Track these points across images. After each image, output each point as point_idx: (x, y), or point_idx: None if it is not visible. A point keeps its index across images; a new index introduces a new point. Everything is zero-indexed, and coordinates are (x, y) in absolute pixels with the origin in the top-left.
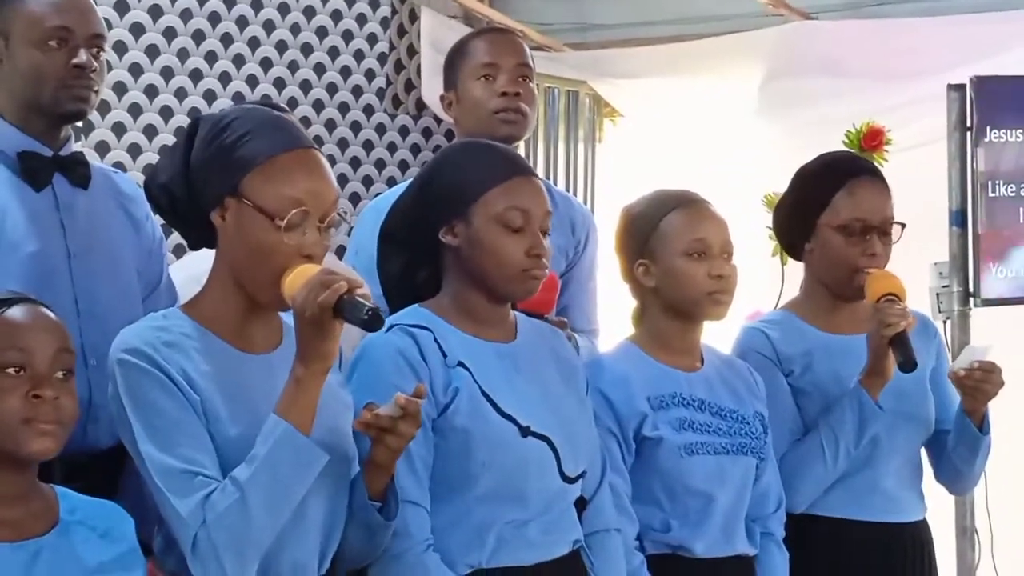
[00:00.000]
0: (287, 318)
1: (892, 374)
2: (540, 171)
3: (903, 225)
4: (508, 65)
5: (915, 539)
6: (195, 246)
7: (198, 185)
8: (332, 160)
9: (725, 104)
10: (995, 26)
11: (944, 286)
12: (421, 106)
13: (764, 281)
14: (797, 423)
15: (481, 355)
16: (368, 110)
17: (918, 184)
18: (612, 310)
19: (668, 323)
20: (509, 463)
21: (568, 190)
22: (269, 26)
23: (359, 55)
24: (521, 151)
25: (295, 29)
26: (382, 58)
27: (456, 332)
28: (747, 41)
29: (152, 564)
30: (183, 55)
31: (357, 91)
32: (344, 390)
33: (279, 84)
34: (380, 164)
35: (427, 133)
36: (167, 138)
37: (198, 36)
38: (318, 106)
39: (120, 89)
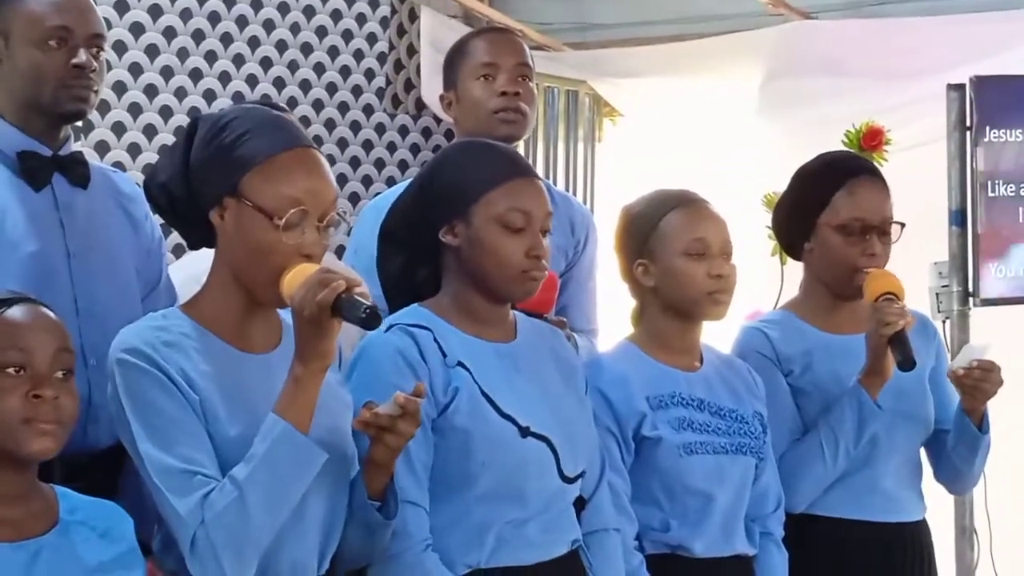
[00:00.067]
0: (287, 318)
1: (891, 373)
2: (539, 171)
3: (902, 225)
4: (508, 65)
5: (915, 539)
6: (194, 246)
7: (197, 184)
8: (332, 160)
9: (725, 104)
10: (995, 25)
11: (943, 286)
12: (421, 106)
13: (763, 281)
14: (796, 423)
15: (481, 355)
16: (368, 110)
17: (918, 184)
18: (611, 310)
19: (667, 323)
20: (508, 463)
21: (568, 190)
22: (269, 25)
23: (359, 55)
24: (521, 151)
25: (295, 29)
26: (382, 58)
27: (456, 332)
28: (747, 41)
29: (151, 564)
30: (183, 55)
31: (357, 91)
32: (343, 389)
33: (279, 84)
34: (379, 164)
35: (427, 133)
36: (167, 138)
37: (198, 36)
38: (318, 106)
39: (120, 89)
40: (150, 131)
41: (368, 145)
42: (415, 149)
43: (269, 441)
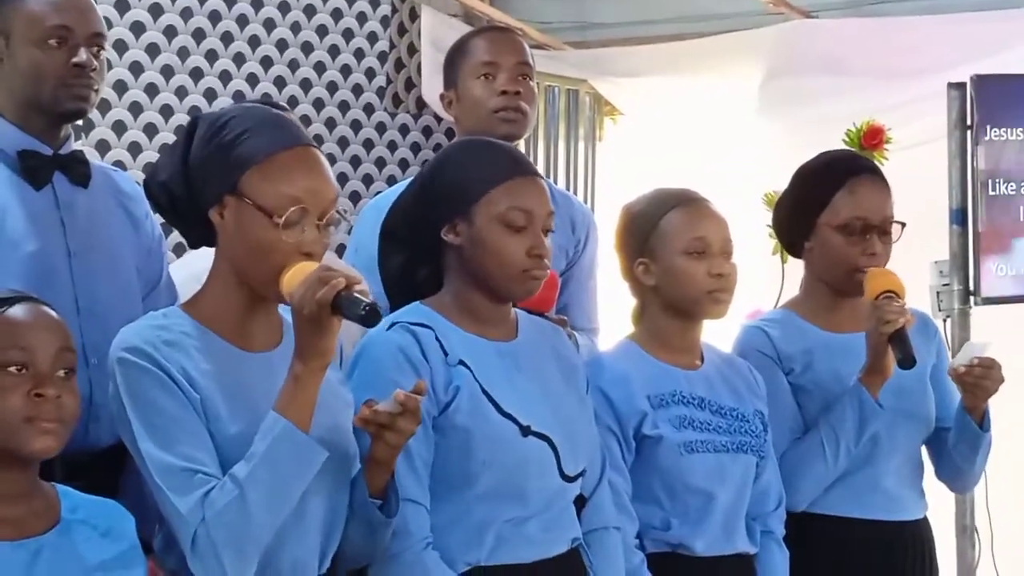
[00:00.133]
0: (287, 316)
1: (892, 372)
2: (540, 170)
3: (903, 224)
4: (508, 64)
5: (916, 537)
6: (195, 245)
7: (197, 183)
8: (332, 159)
9: (725, 103)
10: (995, 24)
11: (944, 284)
12: (421, 105)
13: (764, 280)
14: (797, 421)
15: (482, 354)
16: (368, 109)
17: (918, 182)
18: (612, 309)
19: (668, 321)
20: (509, 462)
21: (568, 189)
22: (269, 24)
23: (359, 54)
24: (521, 150)
25: (295, 28)
26: (382, 57)
27: (457, 330)
28: (747, 40)
29: (153, 562)
30: (183, 54)
31: (357, 90)
32: (344, 388)
33: (279, 83)
34: (380, 163)
35: (427, 132)
36: (167, 137)
37: (198, 35)
38: (318, 105)
39: (120, 88)
40: (151, 130)
41: (369, 144)
42: (416, 148)
43: (269, 439)
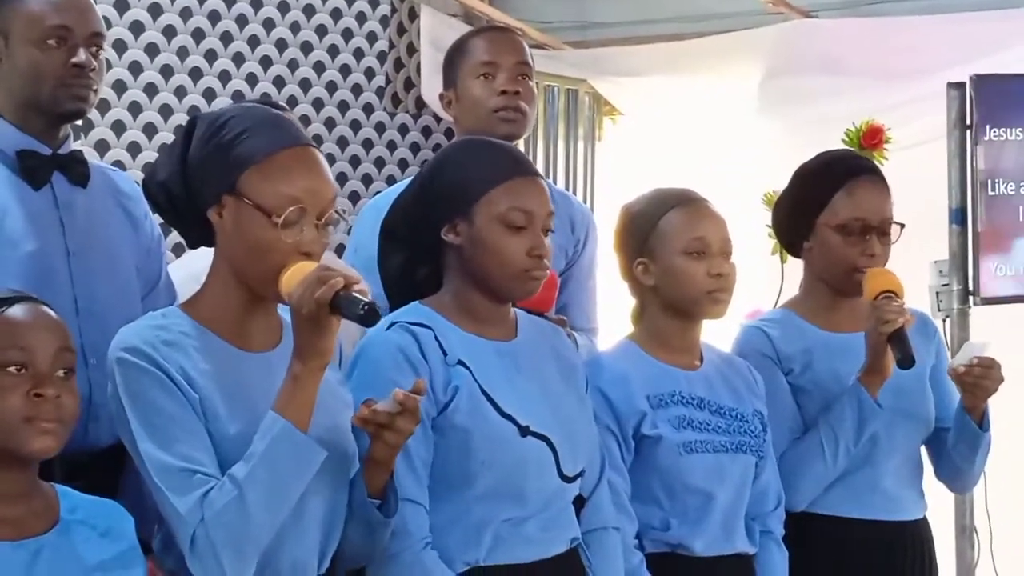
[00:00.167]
0: (287, 316)
1: (891, 371)
2: (539, 169)
3: (902, 225)
4: (507, 63)
5: (915, 538)
6: (193, 245)
7: (196, 183)
8: (331, 159)
9: (725, 102)
10: (995, 24)
11: (944, 284)
12: (421, 104)
13: (764, 279)
14: (797, 421)
15: (481, 354)
16: (368, 108)
17: (918, 182)
18: (611, 308)
19: (667, 321)
20: (508, 462)
21: (567, 188)
22: (269, 24)
23: (359, 53)
24: (520, 149)
25: (295, 27)
26: (382, 56)
27: (457, 330)
28: (747, 39)
29: (152, 563)
30: (183, 53)
31: (357, 89)
32: (343, 388)
33: (278, 83)
34: (379, 163)
35: (427, 132)
36: (166, 136)
37: (198, 35)
38: (318, 104)
39: (120, 88)
40: (150, 130)
41: (368, 144)
42: (415, 148)
43: (268, 439)
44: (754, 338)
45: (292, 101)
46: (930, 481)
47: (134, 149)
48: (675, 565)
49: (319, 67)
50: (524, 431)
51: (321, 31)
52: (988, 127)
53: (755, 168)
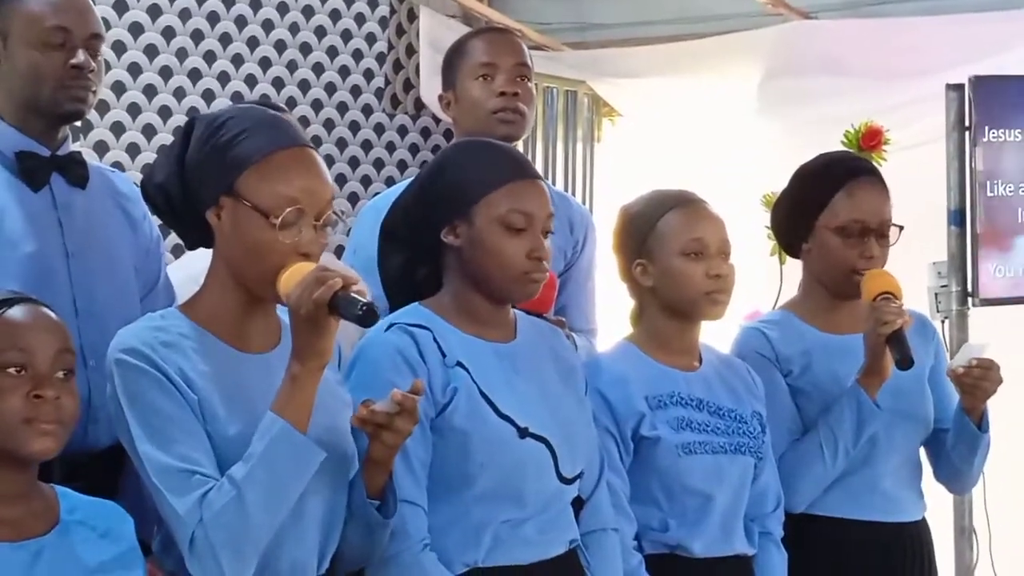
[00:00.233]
0: (285, 318)
1: (890, 372)
2: (538, 171)
3: (901, 227)
4: (506, 65)
5: (914, 539)
6: (192, 246)
7: (194, 184)
8: (330, 160)
9: (724, 103)
10: (995, 25)
11: (943, 286)
12: (420, 106)
13: (763, 281)
14: (796, 423)
15: (480, 355)
16: (367, 110)
17: (917, 184)
18: (610, 310)
19: (666, 323)
20: (507, 464)
21: (566, 190)
22: (268, 26)
23: (358, 55)
24: (520, 151)
25: (294, 29)
26: (381, 58)
27: (455, 332)
28: (746, 40)
29: (151, 564)
30: (182, 55)
31: (356, 91)
32: (342, 388)
33: (278, 84)
34: (378, 164)
35: (425, 133)
36: (166, 138)
37: (197, 36)
38: (316, 106)
39: (119, 89)
40: (149, 131)
41: (367, 145)
42: (414, 149)
43: (267, 440)
44: (753, 339)
45: (291, 102)
46: (929, 482)
47: (133, 150)
48: (674, 566)
49: (318, 68)
50: (523, 432)
51: (320, 32)
52: (987, 128)
53: (754, 169)
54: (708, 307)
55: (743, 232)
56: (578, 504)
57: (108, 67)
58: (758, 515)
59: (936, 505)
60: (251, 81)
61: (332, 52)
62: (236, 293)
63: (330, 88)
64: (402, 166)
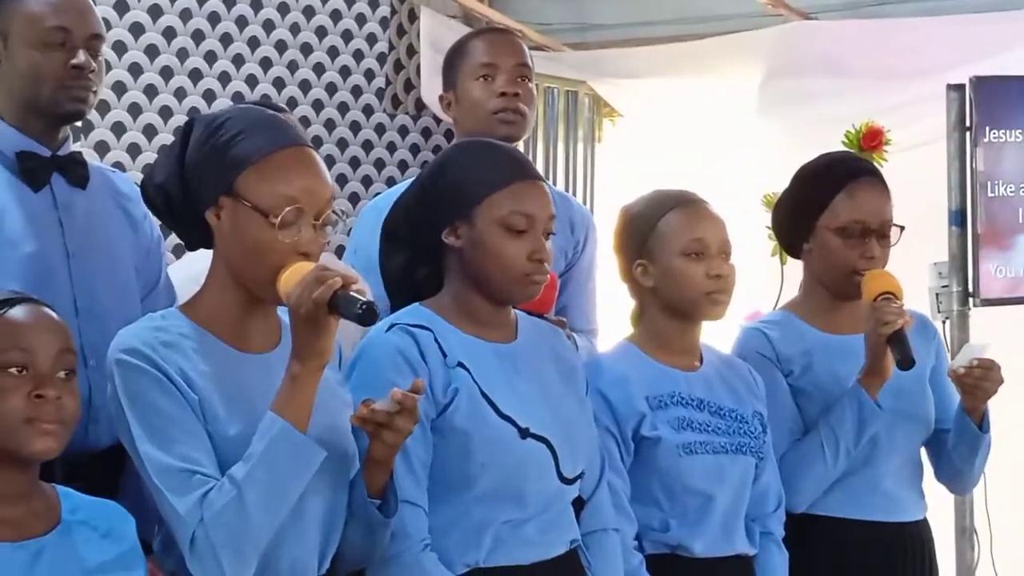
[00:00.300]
0: (286, 318)
1: (891, 373)
2: (539, 171)
3: (902, 228)
4: (507, 65)
5: (915, 539)
6: (192, 246)
7: (193, 185)
8: (331, 160)
9: (725, 104)
10: (996, 26)
11: (943, 286)
12: (420, 106)
13: (763, 281)
14: (797, 423)
15: (481, 356)
16: (367, 110)
17: (918, 184)
18: (611, 310)
19: (667, 323)
20: (508, 464)
21: (567, 190)
22: (268, 26)
23: (358, 55)
24: (520, 151)
25: (294, 29)
26: (381, 58)
27: (456, 332)
28: (747, 41)
29: (152, 563)
30: (182, 55)
31: (356, 91)
32: (343, 388)
33: (278, 84)
34: (379, 164)
35: (426, 133)
36: (166, 138)
37: (197, 36)
38: (317, 106)
39: (119, 89)
40: (150, 131)
41: (368, 145)
42: (415, 149)
43: (267, 439)
44: (754, 339)
45: (292, 102)
46: (930, 482)
47: (134, 150)
48: (675, 566)
49: (319, 68)
50: (524, 433)
51: (321, 32)
52: (988, 129)
53: (755, 169)
54: (709, 307)
55: (744, 232)
56: (579, 504)
57: (109, 67)
58: (759, 515)
59: (937, 505)
60: (252, 81)
61: (333, 52)
62: (236, 293)
63: (331, 88)
64: (403, 166)
